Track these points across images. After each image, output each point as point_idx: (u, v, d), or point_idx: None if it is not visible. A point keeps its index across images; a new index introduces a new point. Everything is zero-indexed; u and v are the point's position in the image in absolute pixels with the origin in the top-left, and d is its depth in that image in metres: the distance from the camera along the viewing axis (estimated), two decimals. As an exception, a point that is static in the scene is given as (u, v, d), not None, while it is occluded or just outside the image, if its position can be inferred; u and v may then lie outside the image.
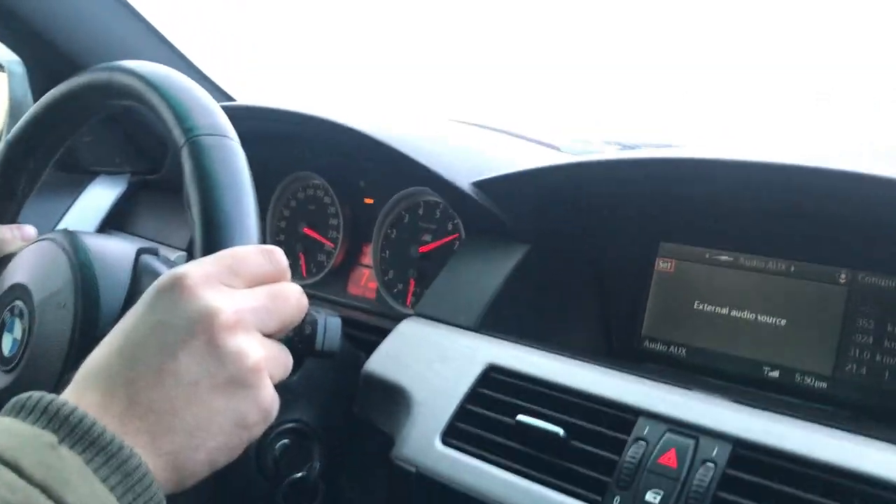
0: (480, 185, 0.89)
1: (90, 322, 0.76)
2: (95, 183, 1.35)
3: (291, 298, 0.55)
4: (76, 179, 1.34)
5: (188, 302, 0.50)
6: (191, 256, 1.21)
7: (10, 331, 0.78)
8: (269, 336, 0.53)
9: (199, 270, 0.51)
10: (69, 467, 0.42)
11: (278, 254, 0.56)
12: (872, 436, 0.61)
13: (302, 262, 1.21)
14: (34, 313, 0.77)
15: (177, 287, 0.50)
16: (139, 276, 0.81)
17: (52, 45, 1.16)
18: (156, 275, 0.81)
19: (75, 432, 0.44)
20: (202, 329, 0.49)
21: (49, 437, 0.43)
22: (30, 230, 0.87)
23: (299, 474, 0.81)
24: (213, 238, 0.57)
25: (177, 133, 0.63)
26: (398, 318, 1.03)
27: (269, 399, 0.51)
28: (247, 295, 0.52)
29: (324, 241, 1.19)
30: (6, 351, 0.78)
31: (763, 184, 0.79)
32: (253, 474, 0.83)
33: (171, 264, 0.84)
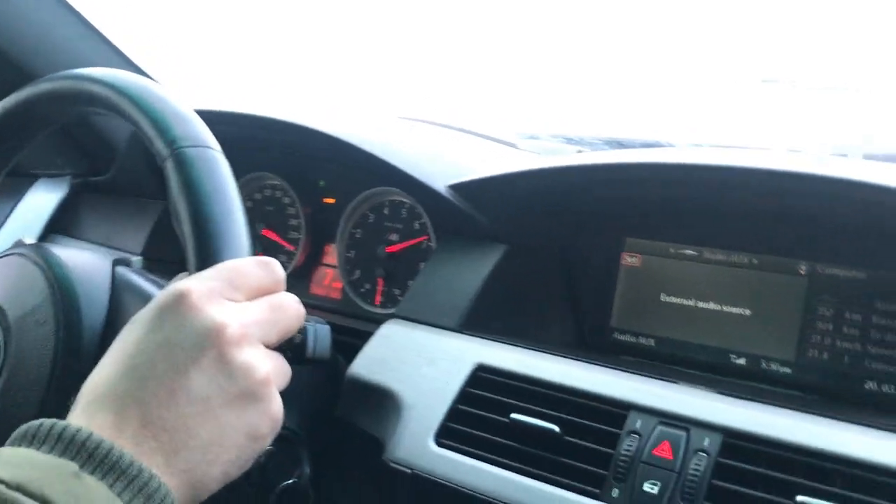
0: (457, 188, 0.90)
1: (73, 339, 0.74)
2: (36, 187, 1.30)
3: (290, 309, 0.56)
4: (15, 183, 1.29)
5: (195, 318, 0.50)
6: (149, 262, 1.19)
7: (-17, 352, 0.76)
8: (269, 347, 0.54)
9: (201, 286, 0.52)
10: (95, 495, 0.42)
11: (275, 265, 0.57)
12: (847, 420, 0.66)
13: (262, 263, 1.19)
14: (10, 332, 0.75)
15: (182, 304, 0.50)
16: (118, 290, 0.79)
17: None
18: (135, 288, 0.80)
19: (94, 458, 0.43)
20: (211, 345, 0.49)
21: (70, 465, 0.43)
22: None
23: (290, 481, 0.82)
24: (209, 251, 0.58)
25: (159, 145, 0.63)
26: (367, 318, 1.05)
27: (278, 409, 0.52)
28: (249, 308, 0.53)
29: (283, 243, 1.18)
30: None
31: (722, 184, 0.84)
32: (239, 482, 0.83)
33: (145, 275, 0.82)
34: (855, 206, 0.76)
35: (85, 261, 0.79)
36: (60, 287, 0.75)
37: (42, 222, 1.29)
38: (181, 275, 0.62)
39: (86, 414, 0.47)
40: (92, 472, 0.43)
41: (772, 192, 0.80)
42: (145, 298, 0.77)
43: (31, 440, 0.44)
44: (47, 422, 0.45)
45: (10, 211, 1.27)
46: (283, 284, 0.57)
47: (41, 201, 1.30)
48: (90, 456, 0.43)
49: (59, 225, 1.30)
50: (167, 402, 0.47)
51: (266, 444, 0.52)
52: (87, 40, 1.15)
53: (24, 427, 0.45)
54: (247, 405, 0.50)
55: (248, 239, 0.60)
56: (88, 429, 0.44)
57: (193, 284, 0.51)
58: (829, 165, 0.76)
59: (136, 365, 0.49)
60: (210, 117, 1.07)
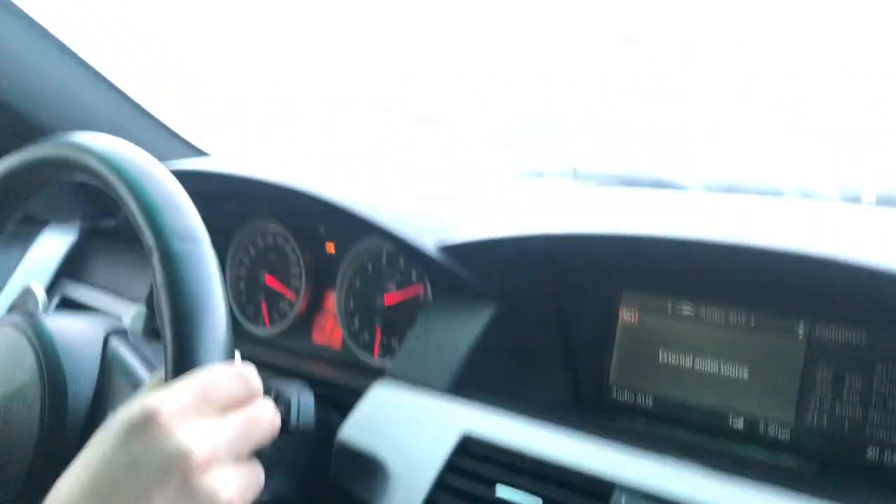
0: (447, 249, 0.89)
1: (57, 423, 0.75)
2: (45, 232, 1.32)
3: (264, 421, 0.55)
4: (25, 230, 1.31)
5: (161, 441, 0.49)
6: (150, 310, 1.19)
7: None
8: (241, 460, 0.53)
9: (172, 404, 0.51)
10: None
11: (250, 375, 0.56)
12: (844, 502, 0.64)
13: (264, 311, 1.20)
14: None
15: (150, 424, 0.49)
16: (108, 366, 0.80)
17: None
18: (124, 367, 0.80)
19: None
20: (176, 470, 0.48)
21: None
22: None
23: (281, 549, 0.81)
24: (186, 357, 0.56)
25: (147, 235, 0.61)
26: (366, 371, 1.04)
27: None
28: (221, 426, 0.52)
29: (285, 291, 1.18)
30: None
31: (719, 258, 0.81)
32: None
33: (137, 350, 0.82)
34: (853, 277, 0.73)
35: (77, 334, 0.79)
36: (49, 366, 0.75)
37: (52, 268, 1.31)
38: (154, 375, 0.62)
39: None
40: None
41: (770, 265, 0.78)
42: (133, 382, 0.77)
43: None
44: None
45: (22, 257, 1.29)
46: (259, 394, 0.56)
47: (51, 247, 1.32)
48: None
49: (69, 270, 1.32)
50: None
51: None
52: (102, 96, 1.15)
53: None
54: None
55: (229, 342, 0.58)
56: None
57: (164, 402, 0.51)
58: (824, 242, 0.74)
59: (99, 484, 0.48)
60: (202, 177, 1.09)
